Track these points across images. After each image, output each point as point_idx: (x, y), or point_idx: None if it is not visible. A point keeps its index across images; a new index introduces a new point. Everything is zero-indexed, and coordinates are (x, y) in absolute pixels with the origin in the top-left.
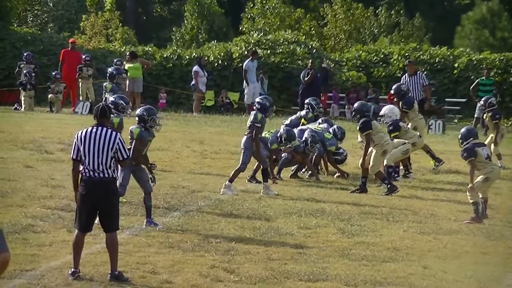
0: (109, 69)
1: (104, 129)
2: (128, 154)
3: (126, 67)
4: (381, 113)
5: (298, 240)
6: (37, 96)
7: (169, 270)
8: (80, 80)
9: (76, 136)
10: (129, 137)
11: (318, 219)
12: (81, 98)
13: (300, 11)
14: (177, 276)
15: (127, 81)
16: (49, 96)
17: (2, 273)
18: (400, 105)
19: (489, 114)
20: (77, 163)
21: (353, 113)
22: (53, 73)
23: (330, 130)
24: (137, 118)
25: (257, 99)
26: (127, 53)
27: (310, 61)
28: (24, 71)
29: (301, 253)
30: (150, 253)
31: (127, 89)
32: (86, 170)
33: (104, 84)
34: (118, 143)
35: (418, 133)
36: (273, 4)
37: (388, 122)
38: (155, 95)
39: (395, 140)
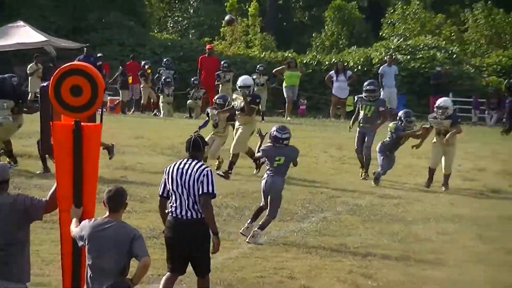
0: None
1: (194, 162)
2: (212, 191)
3: (285, 74)
4: (442, 105)
5: (437, 245)
6: (177, 102)
7: (306, 275)
8: (220, 85)
9: (164, 171)
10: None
11: (456, 224)
12: None
13: (441, 16)
14: (315, 281)
15: (284, 88)
16: (188, 102)
17: (143, 276)
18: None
19: None
20: (164, 200)
21: None
22: (192, 79)
23: None
24: None
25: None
26: (288, 61)
27: None
28: (164, 77)
29: (439, 258)
30: (288, 258)
31: (285, 95)
32: (173, 209)
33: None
34: (205, 175)
35: None
36: (414, 10)
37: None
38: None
39: None
